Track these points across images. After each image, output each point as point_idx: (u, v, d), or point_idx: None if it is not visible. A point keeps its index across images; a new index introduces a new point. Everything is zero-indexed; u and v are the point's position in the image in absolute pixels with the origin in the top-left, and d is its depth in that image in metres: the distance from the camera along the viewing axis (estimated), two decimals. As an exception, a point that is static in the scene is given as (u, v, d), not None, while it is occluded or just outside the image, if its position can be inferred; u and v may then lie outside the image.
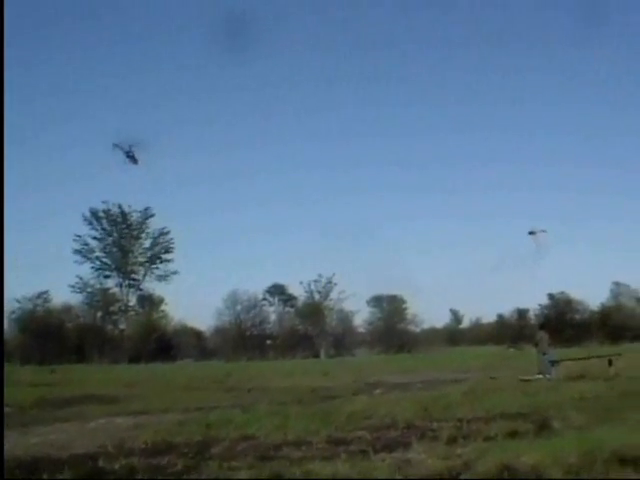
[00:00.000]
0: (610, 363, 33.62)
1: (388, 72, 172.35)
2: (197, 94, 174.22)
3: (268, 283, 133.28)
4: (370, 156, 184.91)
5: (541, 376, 33.70)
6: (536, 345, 37.96)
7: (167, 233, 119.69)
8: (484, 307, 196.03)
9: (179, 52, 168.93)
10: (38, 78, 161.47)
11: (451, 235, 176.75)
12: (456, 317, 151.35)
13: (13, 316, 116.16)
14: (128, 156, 68.57)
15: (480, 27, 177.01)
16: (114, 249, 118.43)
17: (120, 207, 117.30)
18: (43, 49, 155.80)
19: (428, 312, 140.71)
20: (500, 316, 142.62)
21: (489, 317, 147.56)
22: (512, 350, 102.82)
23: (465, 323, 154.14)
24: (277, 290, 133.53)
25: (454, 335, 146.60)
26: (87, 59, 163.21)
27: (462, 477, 10.47)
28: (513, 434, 14.61)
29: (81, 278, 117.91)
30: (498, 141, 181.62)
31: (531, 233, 61.26)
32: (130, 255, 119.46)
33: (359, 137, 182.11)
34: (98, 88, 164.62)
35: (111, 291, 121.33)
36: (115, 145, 59.14)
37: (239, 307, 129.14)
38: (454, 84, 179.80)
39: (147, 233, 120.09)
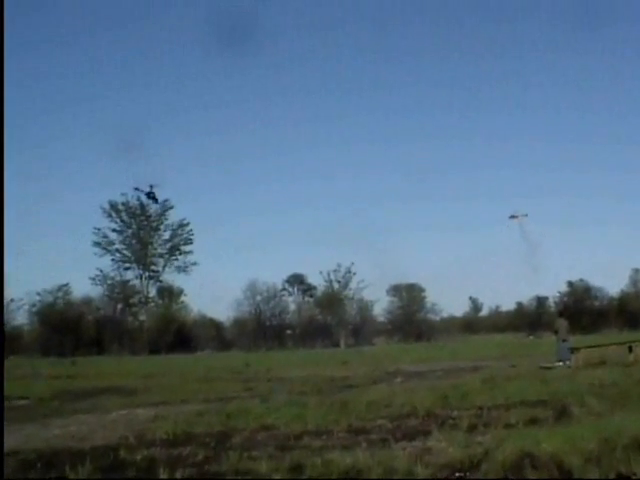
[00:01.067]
0: (630, 350, 33.52)
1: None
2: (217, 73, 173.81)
3: (287, 273, 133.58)
4: (387, 138, 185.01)
5: (561, 363, 33.62)
6: (556, 332, 37.87)
7: (187, 225, 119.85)
8: (503, 295, 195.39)
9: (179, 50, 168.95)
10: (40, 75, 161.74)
11: (470, 221, 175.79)
12: (475, 305, 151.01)
13: (34, 309, 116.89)
14: (149, 197, 69.04)
15: (477, 33, 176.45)
16: (133, 241, 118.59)
17: (139, 199, 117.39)
18: (44, 50, 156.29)
19: (447, 300, 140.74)
20: (519, 304, 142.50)
21: (508, 305, 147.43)
22: (531, 338, 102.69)
23: (484, 311, 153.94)
24: (296, 280, 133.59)
25: (473, 323, 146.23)
26: (88, 59, 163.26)
27: (481, 466, 10.44)
28: (533, 421, 14.58)
29: (101, 270, 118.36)
30: (514, 122, 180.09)
31: (512, 217, 59.98)
32: (149, 247, 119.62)
33: (373, 117, 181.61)
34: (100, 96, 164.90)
35: (131, 283, 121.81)
36: (136, 189, 59.27)
37: (258, 297, 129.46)
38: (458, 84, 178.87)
39: (166, 225, 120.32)
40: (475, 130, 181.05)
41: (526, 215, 61.71)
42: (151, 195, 49.95)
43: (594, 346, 37.50)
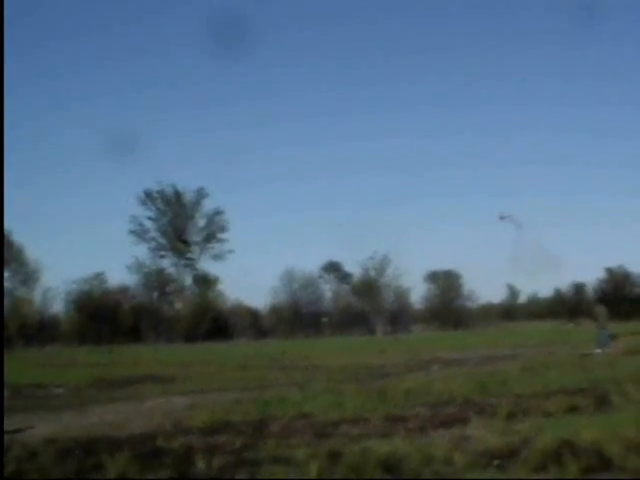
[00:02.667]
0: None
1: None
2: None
3: (324, 261, 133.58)
4: (422, 127, 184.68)
5: (600, 351, 33.47)
6: (595, 320, 37.71)
7: (222, 212, 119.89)
8: (541, 282, 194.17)
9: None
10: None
11: (508, 209, 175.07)
12: (513, 292, 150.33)
13: (70, 297, 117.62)
14: (181, 241, 69.47)
15: (473, 29, 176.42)
16: (169, 229, 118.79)
17: (174, 187, 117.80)
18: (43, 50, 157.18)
19: (484, 287, 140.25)
20: (557, 291, 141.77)
21: (546, 292, 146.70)
22: (570, 325, 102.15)
23: (522, 298, 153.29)
24: (333, 267, 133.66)
25: (511, 310, 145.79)
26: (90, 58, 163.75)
27: (520, 454, 10.42)
28: (572, 409, 14.52)
29: (137, 259, 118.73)
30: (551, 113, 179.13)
31: (502, 218, 62.50)
32: (185, 235, 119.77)
33: (409, 105, 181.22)
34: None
35: (167, 271, 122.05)
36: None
37: (295, 285, 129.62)
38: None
39: (201, 213, 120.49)
40: (511, 122, 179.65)
41: (511, 215, 63.67)
42: (182, 240, 50.51)
43: (634, 333, 37.33)
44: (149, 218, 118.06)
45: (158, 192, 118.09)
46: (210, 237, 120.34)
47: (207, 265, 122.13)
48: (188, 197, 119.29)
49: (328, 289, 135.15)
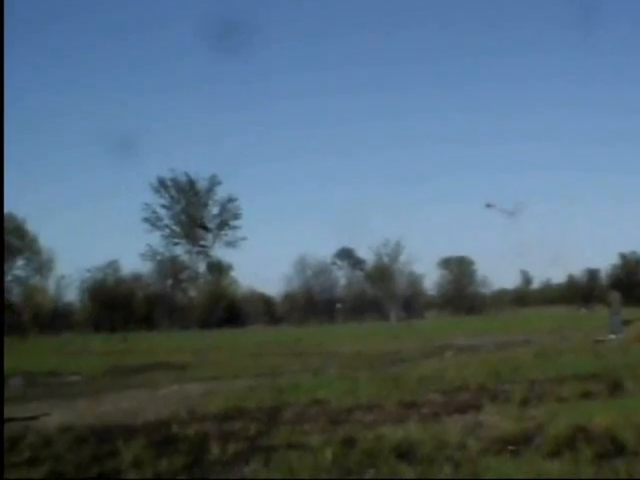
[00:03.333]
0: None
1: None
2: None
3: (337, 247, 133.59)
4: (439, 106, 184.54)
5: (614, 336, 33.43)
6: (609, 305, 37.67)
7: (235, 200, 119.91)
8: (554, 268, 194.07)
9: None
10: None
11: (522, 193, 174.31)
12: (526, 278, 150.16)
13: (84, 285, 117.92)
14: (200, 226, 69.63)
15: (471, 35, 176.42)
16: (182, 217, 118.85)
17: (187, 175, 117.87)
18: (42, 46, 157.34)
19: (498, 273, 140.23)
20: (570, 277, 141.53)
21: (559, 278, 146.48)
22: (583, 311, 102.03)
23: (535, 284, 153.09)
24: (346, 254, 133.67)
25: (524, 296, 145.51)
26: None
27: (534, 439, 10.44)
28: (586, 395, 14.53)
29: (151, 247, 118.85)
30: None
31: (488, 206, 62.63)
32: (204, 221, 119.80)
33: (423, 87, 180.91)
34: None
35: (180, 259, 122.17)
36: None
37: (308, 272, 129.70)
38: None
39: (215, 200, 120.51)
40: (534, 99, 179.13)
41: (494, 205, 64.03)
42: (202, 226, 50.51)
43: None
44: (162, 206, 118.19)
45: (171, 180, 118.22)
46: (223, 224, 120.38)
47: (220, 252, 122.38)
48: (201, 185, 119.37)
49: (341, 276, 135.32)
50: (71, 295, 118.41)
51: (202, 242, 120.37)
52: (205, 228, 53.22)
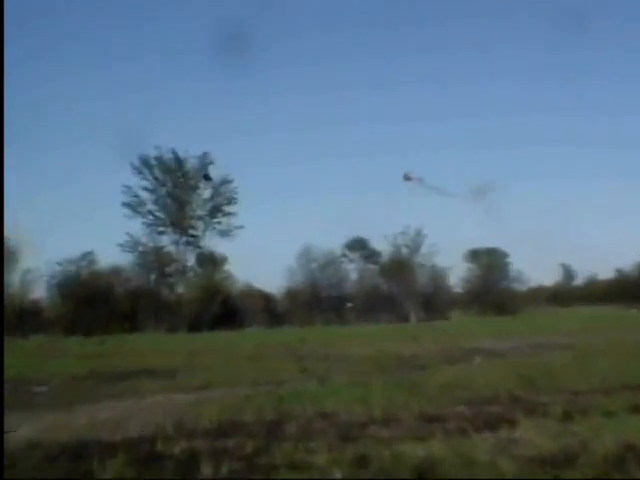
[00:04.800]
0: None
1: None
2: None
3: (347, 237, 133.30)
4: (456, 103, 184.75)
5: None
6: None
7: (230, 181, 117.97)
8: (601, 261, 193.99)
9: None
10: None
11: (564, 170, 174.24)
12: (568, 273, 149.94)
13: (54, 281, 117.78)
14: (205, 178, 69.60)
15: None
16: (168, 201, 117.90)
17: (174, 153, 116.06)
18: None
19: (535, 268, 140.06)
20: (619, 271, 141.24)
21: (606, 273, 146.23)
22: (634, 311, 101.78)
23: (578, 280, 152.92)
24: (358, 245, 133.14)
25: (565, 294, 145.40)
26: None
27: (577, 460, 10.37)
28: (636, 409, 14.48)
29: (131, 235, 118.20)
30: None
31: (407, 179, 62.83)
32: (187, 208, 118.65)
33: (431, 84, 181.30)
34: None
35: (166, 250, 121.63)
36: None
37: (314, 265, 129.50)
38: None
39: (206, 182, 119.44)
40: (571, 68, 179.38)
41: (421, 178, 64.13)
42: (206, 176, 50.21)
43: None
44: (145, 189, 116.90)
45: (156, 158, 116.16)
46: (216, 210, 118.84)
47: (213, 243, 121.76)
48: (190, 164, 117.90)
49: (352, 269, 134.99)
50: (39, 292, 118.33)
51: (191, 231, 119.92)
52: (209, 178, 52.85)
